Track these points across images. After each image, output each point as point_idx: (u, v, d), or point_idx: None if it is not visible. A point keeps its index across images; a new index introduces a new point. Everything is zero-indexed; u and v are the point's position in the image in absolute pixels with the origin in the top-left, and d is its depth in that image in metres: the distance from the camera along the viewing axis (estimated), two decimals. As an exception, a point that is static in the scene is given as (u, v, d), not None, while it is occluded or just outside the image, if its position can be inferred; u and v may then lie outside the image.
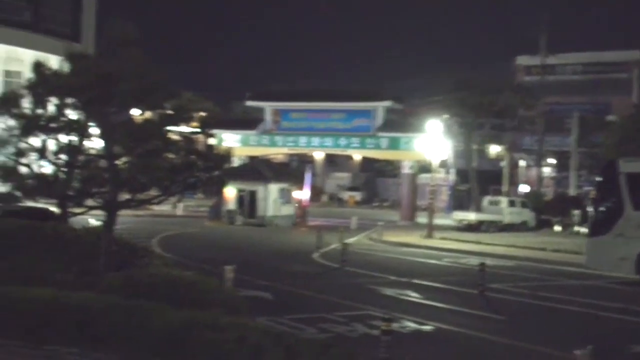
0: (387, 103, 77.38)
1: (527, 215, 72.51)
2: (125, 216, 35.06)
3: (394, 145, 76.16)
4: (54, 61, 26.01)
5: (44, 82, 24.42)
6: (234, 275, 24.62)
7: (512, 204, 73.18)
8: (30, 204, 30.40)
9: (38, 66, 24.65)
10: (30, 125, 23.76)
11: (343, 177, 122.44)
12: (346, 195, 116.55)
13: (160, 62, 24.95)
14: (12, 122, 24.37)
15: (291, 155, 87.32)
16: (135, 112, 26.50)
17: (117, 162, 23.71)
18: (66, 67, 24.74)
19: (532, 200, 77.52)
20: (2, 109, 24.61)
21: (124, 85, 23.03)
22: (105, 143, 24.02)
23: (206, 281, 20.07)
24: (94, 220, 32.22)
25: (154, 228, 52.21)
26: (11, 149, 24.24)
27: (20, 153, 23.81)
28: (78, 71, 23.83)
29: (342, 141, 78.34)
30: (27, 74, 25.65)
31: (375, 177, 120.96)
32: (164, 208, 44.75)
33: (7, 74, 66.76)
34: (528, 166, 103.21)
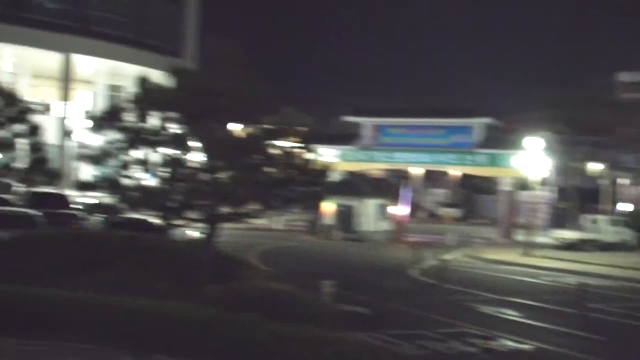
0: (485, 119, 76.87)
1: (628, 235, 71.05)
2: (223, 229, 35.44)
3: (492, 162, 75.53)
4: (156, 76, 26.49)
5: (147, 97, 24.84)
6: (332, 290, 24.68)
7: (613, 222, 71.81)
8: (131, 215, 30.97)
9: (142, 81, 25.11)
10: (134, 138, 24.19)
11: (440, 193, 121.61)
12: (443, 211, 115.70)
13: (261, 77, 25.11)
14: (116, 136, 24.84)
15: (389, 170, 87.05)
16: (236, 126, 26.78)
17: (218, 175, 23.98)
18: (169, 82, 25.16)
19: (633, 219, 75.90)
20: (107, 122, 25.11)
21: (226, 100, 23.30)
22: (207, 157, 24.32)
23: (305, 295, 20.19)
24: (192, 232, 32.64)
25: (252, 241, 52.58)
26: (116, 162, 24.71)
27: (125, 166, 24.26)
28: (181, 86, 24.21)
29: (440, 157, 78.02)
30: (130, 88, 26.23)
31: (472, 194, 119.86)
32: (262, 221, 45.11)
33: (111, 88, 68.28)
34: (629, 184, 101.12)
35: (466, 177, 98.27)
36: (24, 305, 17.51)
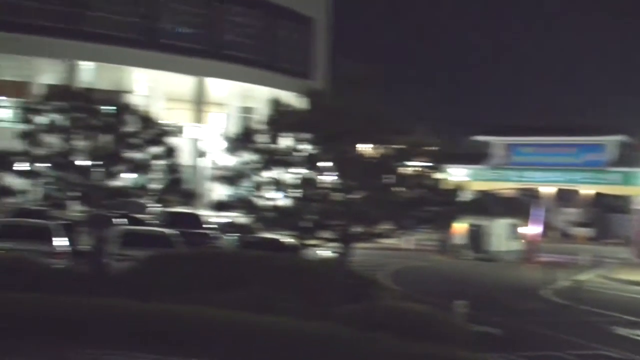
0: (618, 137, 75.35)
1: None
2: (355, 248, 35.68)
3: (625, 180, 73.93)
4: (287, 98, 26.94)
5: (280, 118, 25.26)
6: (464, 310, 24.58)
7: None
8: (264, 235, 31.43)
9: (275, 103, 25.54)
10: (268, 159, 24.62)
11: (572, 212, 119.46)
12: (575, 231, 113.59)
13: (391, 96, 25.28)
14: (250, 157, 25.31)
15: (520, 190, 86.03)
16: (367, 146, 26.97)
17: (351, 195, 24.18)
18: (301, 104, 25.52)
19: None
20: (241, 143, 25.62)
21: (358, 121, 23.53)
22: (340, 177, 24.56)
23: (437, 315, 20.18)
24: (323, 252, 32.91)
25: (382, 261, 52.60)
26: (250, 182, 25.18)
27: (259, 186, 24.69)
28: (313, 107, 24.55)
29: (572, 176, 76.73)
30: (262, 110, 26.75)
31: (605, 213, 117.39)
32: (392, 241, 45.09)
33: (243, 110, 69.45)
34: None
35: (599, 195, 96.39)
36: (161, 323, 18.02)
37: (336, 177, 25.14)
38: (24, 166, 30.07)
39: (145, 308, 18.73)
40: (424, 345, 16.30)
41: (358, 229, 24.92)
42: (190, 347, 17.41)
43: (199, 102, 66.63)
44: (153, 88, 65.92)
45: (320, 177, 25.43)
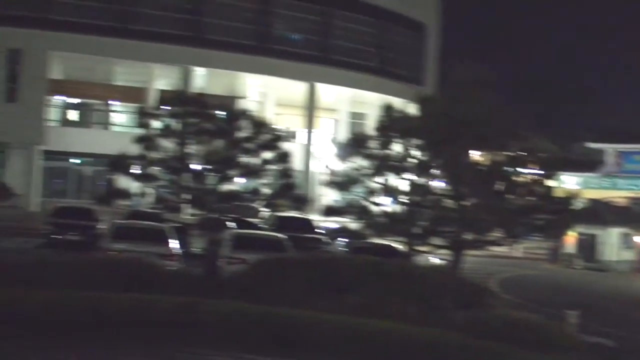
0: None
1: None
2: (465, 256, 35.51)
3: None
4: (397, 103, 27.01)
5: (392, 124, 25.34)
6: (575, 320, 24.22)
7: None
8: (375, 240, 31.45)
9: (388, 109, 25.63)
10: (380, 165, 24.72)
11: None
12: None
13: (505, 101, 25.07)
14: (361, 162, 25.45)
15: (633, 198, 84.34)
16: (478, 153, 26.86)
17: (463, 202, 24.13)
18: (412, 110, 25.57)
19: None
20: (353, 149, 25.78)
21: (471, 127, 23.46)
22: (452, 184, 24.52)
23: (549, 324, 19.97)
24: (433, 259, 32.81)
25: (492, 268, 52.10)
26: (361, 188, 25.31)
27: (371, 192, 24.79)
28: (426, 113, 24.57)
29: (687, 185, 75.03)
30: (372, 116, 26.82)
31: None
32: (501, 249, 44.74)
33: (353, 115, 69.63)
34: None
35: None
36: (275, 326, 18.24)
37: (446, 184, 25.08)
38: (139, 169, 30.79)
39: (259, 311, 18.96)
40: (538, 355, 16.16)
41: (469, 236, 24.83)
42: (305, 351, 17.57)
43: (310, 108, 67.01)
44: (264, 93, 66.58)
45: (431, 184, 25.42)
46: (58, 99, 61.29)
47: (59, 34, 56.59)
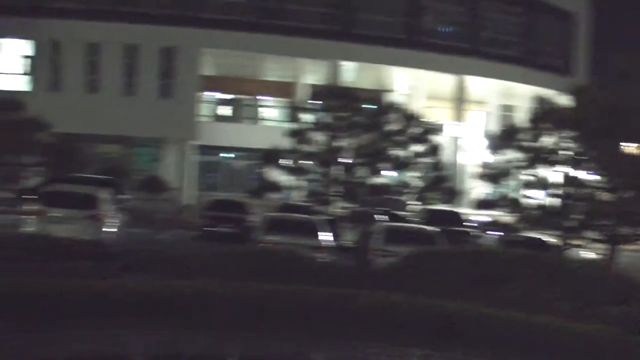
0: None
1: None
2: (621, 250, 34.64)
3: None
4: (547, 95, 26.55)
5: (545, 116, 24.96)
6: None
7: None
8: (526, 234, 31.01)
9: (540, 101, 25.25)
10: (533, 157, 24.37)
11: None
12: None
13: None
14: (514, 155, 25.14)
15: None
16: (632, 145, 26.22)
17: (619, 195, 23.58)
18: (563, 101, 25.12)
19: None
20: (504, 141, 25.50)
21: (631, 118, 22.89)
22: (607, 175, 23.99)
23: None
24: (586, 253, 32.17)
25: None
26: (513, 181, 25.02)
27: (524, 185, 24.47)
28: (581, 104, 24.09)
29: None
30: (523, 108, 26.44)
31: None
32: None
33: (503, 108, 68.78)
34: None
35: None
36: (431, 318, 18.25)
37: (601, 176, 24.55)
38: (290, 163, 31.20)
39: (418, 303, 18.94)
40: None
41: (625, 230, 24.22)
42: (472, 345, 17.49)
43: (459, 100, 66.48)
44: (414, 86, 66.32)
45: (584, 176, 24.92)
46: (210, 94, 62.58)
47: (210, 31, 57.76)
